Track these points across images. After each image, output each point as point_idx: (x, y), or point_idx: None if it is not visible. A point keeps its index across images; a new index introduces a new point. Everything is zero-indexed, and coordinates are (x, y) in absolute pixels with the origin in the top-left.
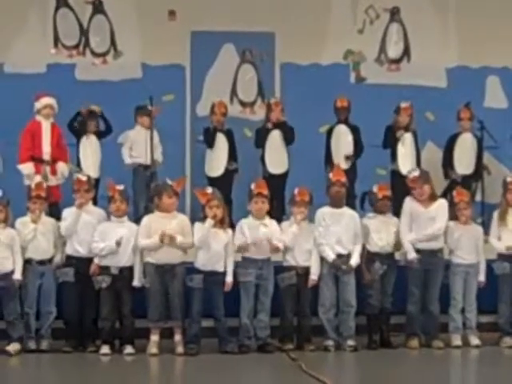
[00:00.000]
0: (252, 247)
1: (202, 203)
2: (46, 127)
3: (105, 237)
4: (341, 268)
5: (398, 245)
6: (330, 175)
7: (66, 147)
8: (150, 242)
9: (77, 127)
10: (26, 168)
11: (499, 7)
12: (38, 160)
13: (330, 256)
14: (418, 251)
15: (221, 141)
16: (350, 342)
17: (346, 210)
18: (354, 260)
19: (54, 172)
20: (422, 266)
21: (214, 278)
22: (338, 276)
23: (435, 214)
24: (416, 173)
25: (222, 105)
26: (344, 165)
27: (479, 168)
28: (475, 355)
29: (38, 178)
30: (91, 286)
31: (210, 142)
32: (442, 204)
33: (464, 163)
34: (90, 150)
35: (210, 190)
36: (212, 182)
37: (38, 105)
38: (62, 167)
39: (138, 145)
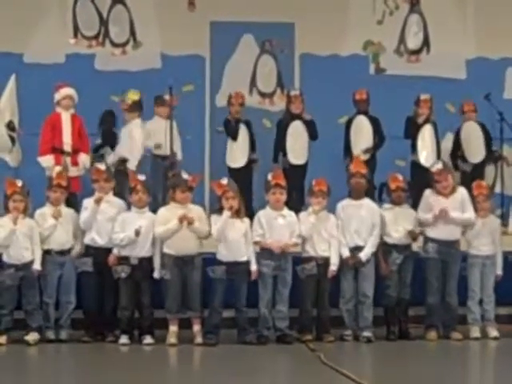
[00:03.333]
0: (269, 236)
1: (217, 195)
2: (65, 118)
3: (125, 227)
4: (350, 264)
5: (413, 233)
6: (351, 167)
7: (87, 138)
8: (167, 227)
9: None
10: (46, 161)
11: None
12: (58, 151)
13: (345, 253)
14: (434, 241)
15: (242, 131)
16: (366, 333)
17: (366, 202)
18: (365, 253)
19: (75, 163)
20: (440, 256)
21: (236, 268)
22: (357, 267)
23: (457, 205)
24: (439, 165)
25: (238, 96)
26: (363, 156)
27: (491, 154)
28: (494, 347)
29: (58, 169)
30: (110, 275)
31: (233, 134)
32: (463, 193)
33: (473, 151)
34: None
35: (225, 181)
36: (233, 172)
37: (57, 96)
38: (84, 158)
39: (157, 135)
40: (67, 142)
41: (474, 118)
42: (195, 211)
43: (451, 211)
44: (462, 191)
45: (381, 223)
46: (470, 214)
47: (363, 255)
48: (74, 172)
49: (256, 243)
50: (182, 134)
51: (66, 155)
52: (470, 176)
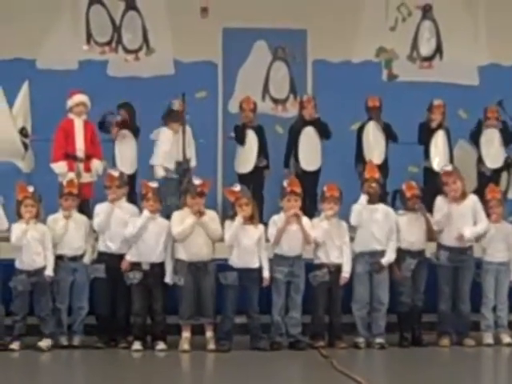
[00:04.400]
0: (283, 241)
1: (231, 201)
2: (78, 125)
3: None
4: (373, 267)
5: (430, 232)
6: (364, 172)
7: (99, 144)
8: (184, 226)
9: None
10: (59, 167)
11: None
12: (71, 157)
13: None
14: (446, 249)
15: (251, 137)
16: (379, 340)
17: (381, 206)
18: (387, 258)
19: (87, 169)
20: (451, 264)
21: (248, 274)
22: (372, 273)
23: (468, 211)
24: (449, 167)
25: (249, 101)
26: (376, 161)
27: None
28: (507, 354)
29: (71, 176)
30: (123, 282)
31: (240, 139)
32: (475, 201)
33: (492, 157)
34: (125, 146)
35: (238, 187)
36: (242, 178)
37: (70, 102)
38: (97, 164)
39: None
40: (80, 148)
41: (496, 125)
42: (208, 214)
43: (465, 231)
44: (473, 198)
45: (396, 228)
46: (483, 223)
47: (385, 261)
48: (86, 178)
49: (272, 243)
50: (196, 140)
51: (79, 161)
52: (488, 180)
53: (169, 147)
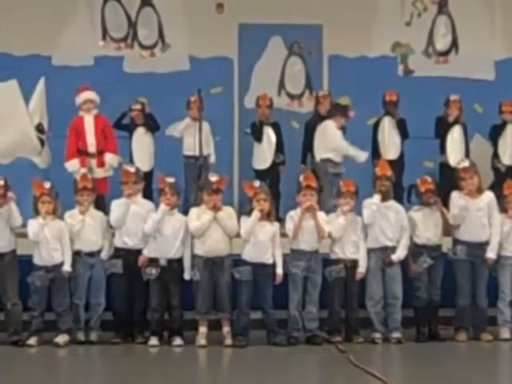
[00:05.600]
0: (300, 236)
1: (249, 196)
2: (88, 121)
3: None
4: (383, 261)
5: (447, 227)
6: (376, 169)
7: (114, 137)
8: (202, 221)
9: (126, 123)
10: (72, 165)
11: None
12: (83, 153)
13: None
14: (463, 243)
15: (268, 134)
16: (395, 335)
17: (393, 204)
18: (397, 255)
19: (100, 164)
20: (469, 258)
21: (261, 270)
22: (385, 269)
23: (483, 206)
24: (466, 163)
25: (266, 97)
26: (392, 155)
27: None
28: None
29: (81, 172)
30: (140, 277)
31: (257, 136)
32: (491, 197)
33: (509, 153)
34: (141, 142)
35: (257, 183)
36: (259, 174)
37: (78, 100)
38: (110, 158)
39: (188, 137)
40: (91, 143)
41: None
42: (225, 210)
43: (491, 255)
44: (489, 194)
45: (409, 225)
46: (496, 227)
47: (395, 257)
48: (100, 173)
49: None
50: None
51: (91, 157)
52: (504, 176)
53: (342, 139)
